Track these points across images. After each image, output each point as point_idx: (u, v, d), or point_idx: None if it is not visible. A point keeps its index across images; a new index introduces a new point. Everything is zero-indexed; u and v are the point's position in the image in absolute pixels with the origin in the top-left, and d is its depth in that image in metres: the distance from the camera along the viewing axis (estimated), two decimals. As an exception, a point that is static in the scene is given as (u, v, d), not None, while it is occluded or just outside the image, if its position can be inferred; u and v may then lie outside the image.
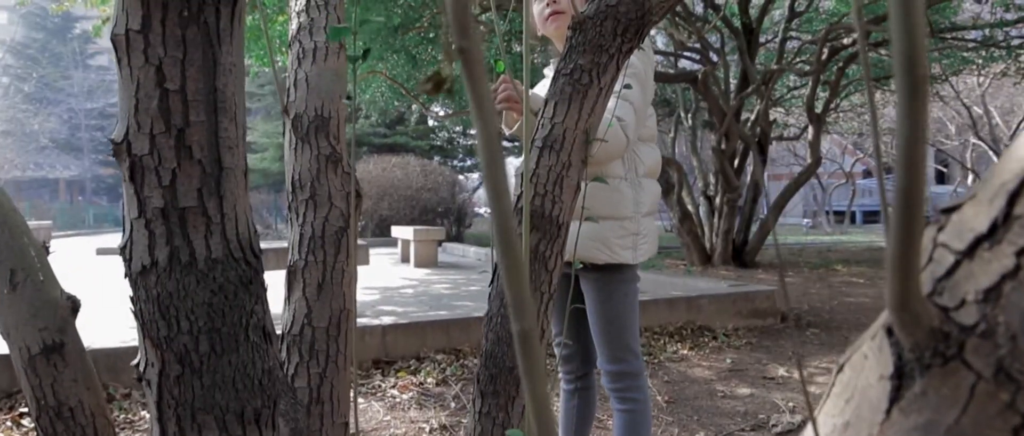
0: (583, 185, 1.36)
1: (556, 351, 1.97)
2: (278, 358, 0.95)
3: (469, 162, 20.06)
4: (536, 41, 1.99)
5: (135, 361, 0.85)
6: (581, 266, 1.56)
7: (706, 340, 3.83)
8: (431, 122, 18.42)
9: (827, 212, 21.12)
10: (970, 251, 0.33)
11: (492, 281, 1.31)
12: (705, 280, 4.95)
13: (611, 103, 1.42)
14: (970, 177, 16.06)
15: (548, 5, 1.74)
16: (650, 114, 1.78)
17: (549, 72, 1.89)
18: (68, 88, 33.67)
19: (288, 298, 1.41)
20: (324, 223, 1.43)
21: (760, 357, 3.57)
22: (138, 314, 0.81)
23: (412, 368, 3.29)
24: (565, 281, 1.78)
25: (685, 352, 3.64)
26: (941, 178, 25.84)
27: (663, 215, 13.72)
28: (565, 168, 1.25)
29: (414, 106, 9.43)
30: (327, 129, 1.49)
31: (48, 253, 1.48)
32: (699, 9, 8.70)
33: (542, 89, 1.88)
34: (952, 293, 0.33)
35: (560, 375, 1.99)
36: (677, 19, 7.77)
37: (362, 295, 5.64)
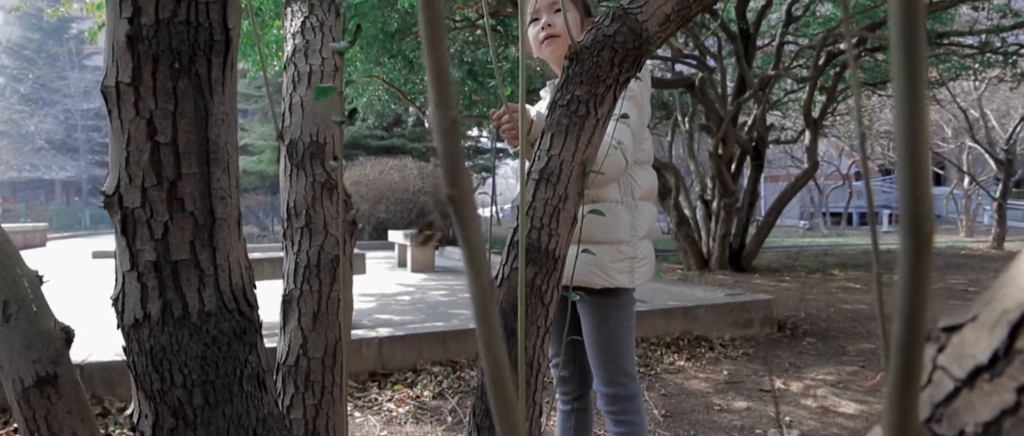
0: (581, 212, 1.35)
1: (553, 372, 1.97)
2: (274, 405, 0.94)
3: (467, 164, 20.03)
4: (533, 62, 1.99)
5: (128, 411, 0.85)
6: (577, 297, 1.55)
7: (703, 351, 3.83)
8: (428, 125, 18.42)
9: (824, 214, 21.15)
10: (970, 380, 0.32)
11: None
12: (702, 288, 4.95)
13: (610, 127, 1.41)
14: (966, 180, 16.08)
15: (543, 28, 1.74)
16: (646, 137, 1.77)
17: (545, 94, 1.89)
18: (64, 89, 33.59)
19: (283, 328, 1.41)
20: (319, 251, 1.43)
21: (757, 368, 3.57)
22: (131, 366, 0.81)
23: (409, 381, 3.28)
24: (562, 302, 1.78)
25: (682, 363, 3.64)
26: (937, 180, 25.88)
27: (660, 217, 13.72)
28: (562, 201, 1.25)
29: (411, 109, 9.43)
30: (323, 155, 1.49)
31: (41, 283, 1.47)
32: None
33: (537, 110, 1.87)
34: (950, 422, 0.32)
35: (557, 395, 1.99)
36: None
37: (359, 303, 5.63)
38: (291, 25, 1.65)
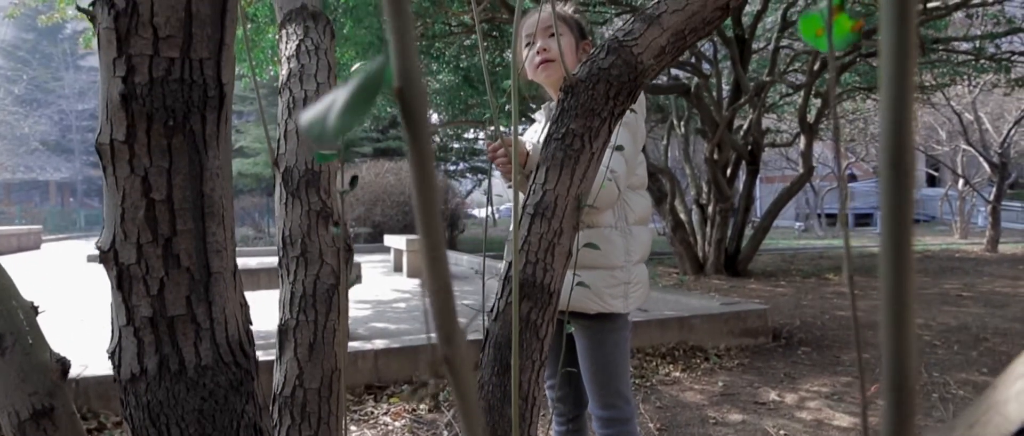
0: (576, 243, 1.35)
1: (548, 394, 1.97)
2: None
3: (462, 166, 20.06)
4: (526, 84, 1.99)
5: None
6: (571, 328, 1.55)
7: (698, 361, 3.84)
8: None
9: (819, 215, 21.18)
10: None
11: (484, 348, 1.30)
12: (697, 297, 4.96)
13: (605, 156, 1.42)
14: (960, 182, 16.14)
15: (539, 53, 1.74)
16: (640, 162, 1.78)
17: (540, 117, 1.89)
18: (59, 90, 33.48)
19: (279, 358, 1.41)
20: (315, 281, 1.43)
21: (752, 380, 3.58)
22: (128, 419, 0.81)
23: (405, 393, 3.28)
24: (558, 326, 1.78)
25: (677, 374, 3.65)
26: (932, 181, 25.98)
27: (654, 218, 13.74)
28: (557, 235, 1.25)
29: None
30: (318, 183, 1.48)
31: (37, 314, 1.47)
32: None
33: (533, 134, 1.87)
34: None
35: (552, 416, 2.00)
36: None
37: (354, 310, 5.63)
38: (286, 48, 1.64)
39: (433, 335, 0.30)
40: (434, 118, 12.41)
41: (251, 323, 1.01)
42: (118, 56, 0.72)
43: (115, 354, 0.80)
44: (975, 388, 3.38)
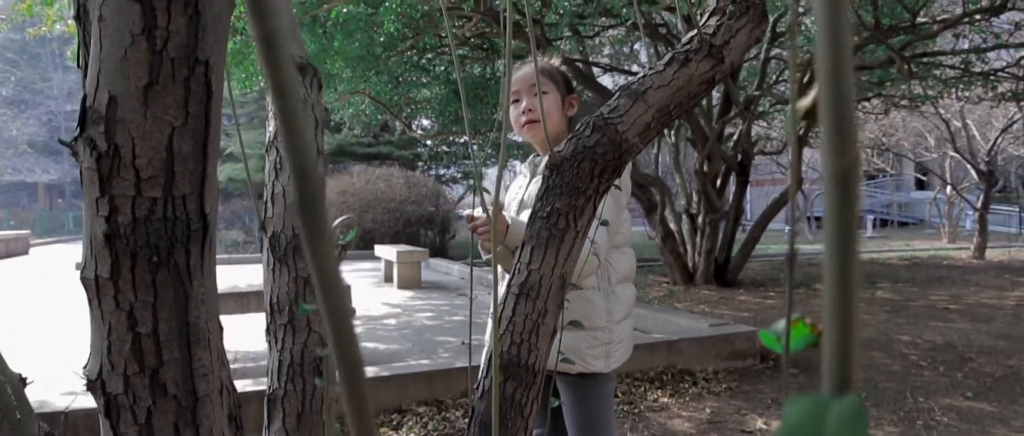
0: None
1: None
2: None
3: (453, 170, 20.05)
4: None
5: None
6: (556, 402, 1.56)
7: (686, 386, 3.86)
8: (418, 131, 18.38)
9: (809, 218, 21.28)
10: None
11: (469, 425, 1.31)
12: (685, 316, 4.97)
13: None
14: (948, 189, 16.27)
15: (524, 112, 1.75)
16: (625, 219, 1.79)
17: (525, 170, 1.90)
18: (47, 90, 33.25)
19: (268, 427, 1.41)
20: (303, 349, 1.43)
21: (739, 406, 3.61)
22: None
23: (394, 422, 3.29)
24: (546, 382, 1.79)
25: (665, 400, 3.67)
26: (920, 185, 26.15)
27: (643, 223, 13.77)
28: (541, 316, 1.26)
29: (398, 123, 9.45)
30: (305, 249, 1.48)
31: (25, 385, 1.47)
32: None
33: (516, 189, 1.88)
34: None
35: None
36: (659, 41, 7.81)
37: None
38: (273, 101, 1.63)
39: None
40: (425, 123, 12.42)
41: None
42: (101, 196, 0.73)
43: (101, 480, 0.81)
44: (960, 415, 3.41)
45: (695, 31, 1.44)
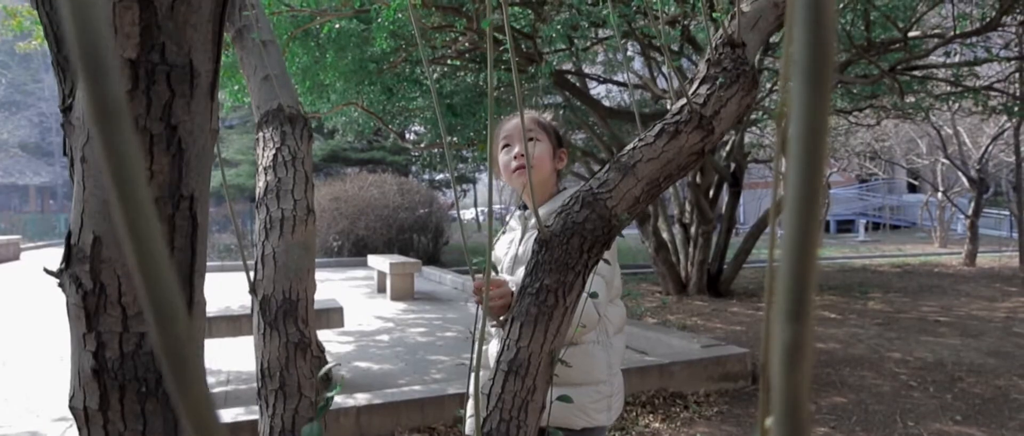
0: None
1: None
2: None
3: (446, 174, 20.07)
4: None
5: None
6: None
7: (677, 410, 3.88)
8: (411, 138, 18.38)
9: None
10: None
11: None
12: (677, 335, 4.98)
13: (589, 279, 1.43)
14: (939, 194, 16.36)
15: (515, 158, 1.75)
16: (616, 272, 1.80)
17: (515, 224, 1.91)
18: (38, 92, 33.10)
19: (257, 496, 1.42)
20: (294, 415, 1.43)
21: (730, 431, 3.62)
22: None
23: (386, 452, 3.29)
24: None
25: (657, 425, 3.68)
26: (912, 188, 26.28)
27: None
28: (530, 393, 1.27)
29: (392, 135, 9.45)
30: (296, 313, 1.49)
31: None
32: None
33: (505, 245, 1.89)
34: None
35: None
36: (653, 54, 7.83)
37: (336, 345, 5.63)
38: (263, 156, 1.63)
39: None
40: (420, 129, 12.40)
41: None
42: (87, 331, 0.73)
43: None
44: (949, 441, 3.44)
45: (685, 100, 1.45)
